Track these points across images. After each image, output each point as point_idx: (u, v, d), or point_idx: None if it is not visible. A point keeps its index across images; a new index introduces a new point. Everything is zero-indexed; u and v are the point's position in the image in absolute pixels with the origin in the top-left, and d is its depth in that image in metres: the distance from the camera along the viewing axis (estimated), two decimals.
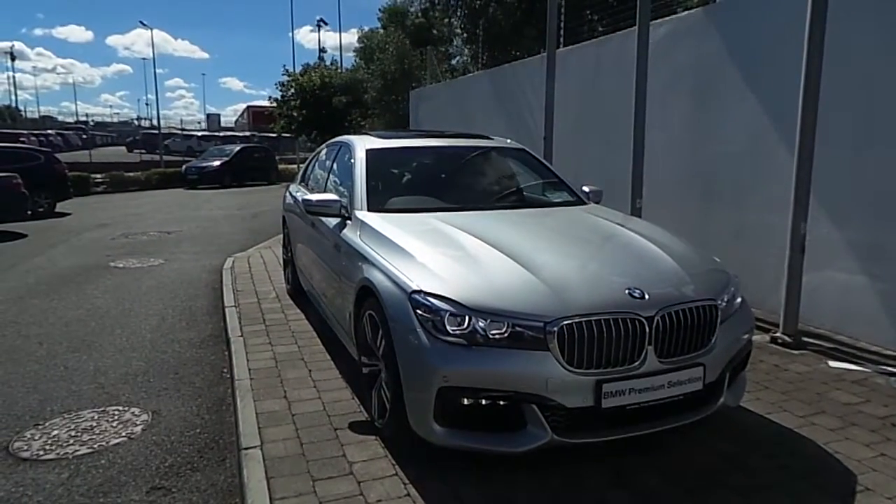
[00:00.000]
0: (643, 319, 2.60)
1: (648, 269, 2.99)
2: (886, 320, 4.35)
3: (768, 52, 5.17)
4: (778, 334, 4.51)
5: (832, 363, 4.11)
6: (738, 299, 3.06)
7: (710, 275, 3.10)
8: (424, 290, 2.72)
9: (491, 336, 2.55)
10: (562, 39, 8.56)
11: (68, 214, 14.19)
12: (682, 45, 6.09)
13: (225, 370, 4.34)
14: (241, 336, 4.73)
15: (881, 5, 4.30)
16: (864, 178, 4.46)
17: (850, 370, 3.99)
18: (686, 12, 6.55)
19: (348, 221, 3.82)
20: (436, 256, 3.00)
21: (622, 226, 3.68)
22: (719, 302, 2.85)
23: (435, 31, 21.68)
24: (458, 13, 20.26)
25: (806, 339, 4.51)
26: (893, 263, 4.30)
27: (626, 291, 2.68)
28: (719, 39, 5.66)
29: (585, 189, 4.47)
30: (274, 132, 30.85)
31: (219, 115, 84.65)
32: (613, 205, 4.60)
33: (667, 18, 6.43)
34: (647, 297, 2.67)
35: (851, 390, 3.68)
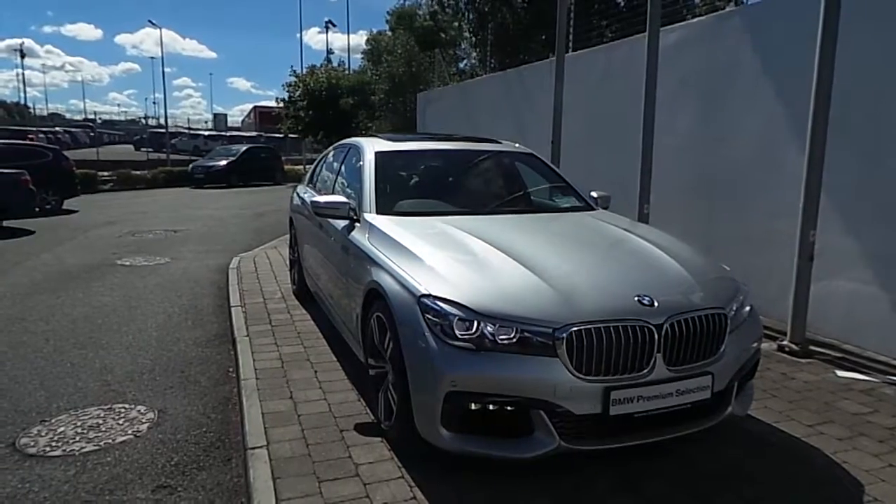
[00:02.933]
0: (652, 327, 2.59)
1: (657, 276, 2.99)
2: (894, 329, 4.33)
3: (778, 58, 5.16)
4: (785, 342, 4.49)
5: (840, 372, 4.10)
6: (747, 308, 3.05)
7: (719, 283, 3.09)
8: (433, 294, 2.72)
9: (499, 341, 2.55)
10: (570, 44, 8.56)
11: (75, 212, 14.24)
12: (692, 52, 6.08)
13: (231, 370, 4.35)
14: (247, 336, 4.74)
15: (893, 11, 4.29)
16: (873, 187, 4.44)
17: (857, 380, 3.98)
18: (696, 19, 6.54)
19: (356, 224, 3.82)
20: (445, 260, 3.00)
21: (631, 232, 3.67)
22: (728, 310, 2.84)
23: (443, 35, 21.71)
24: (467, 16, 20.30)
25: (813, 347, 4.49)
26: None
27: (636, 298, 2.68)
28: (729, 46, 5.65)
29: (594, 194, 4.47)
30: (280, 133, 30.90)
31: (225, 115, 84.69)
32: (621, 210, 4.60)
33: (676, 25, 6.43)
34: (656, 304, 2.66)
35: (859, 400, 3.66)
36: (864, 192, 4.50)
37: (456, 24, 21.41)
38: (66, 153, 16.30)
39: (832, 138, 4.31)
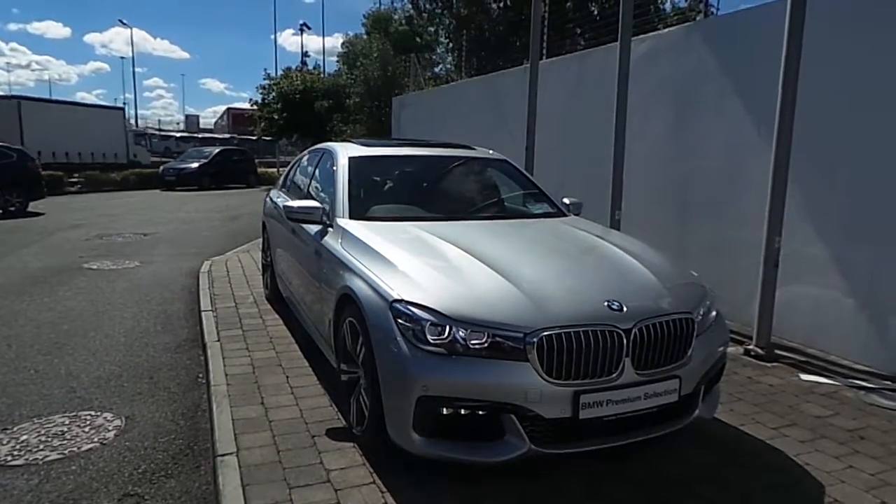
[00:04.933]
0: (621, 331, 2.63)
1: (627, 281, 3.03)
2: (856, 334, 4.46)
3: (745, 69, 5.29)
4: (751, 347, 4.59)
5: (804, 376, 4.20)
6: (714, 313, 3.11)
7: (686, 288, 3.16)
8: (406, 299, 2.72)
9: (471, 346, 2.57)
10: (545, 51, 8.66)
11: (41, 214, 13.91)
12: (663, 62, 6.20)
13: (201, 375, 4.29)
14: (218, 341, 4.69)
15: (857, 25, 4.43)
16: (836, 194, 4.57)
17: (820, 383, 4.08)
18: (667, 29, 6.67)
19: (329, 229, 3.81)
20: (417, 266, 3.01)
21: (602, 238, 3.73)
22: (695, 315, 2.90)
23: (419, 39, 21.76)
24: (443, 22, 20.38)
25: (779, 351, 4.60)
26: (862, 279, 4.42)
27: (605, 304, 2.72)
28: (698, 57, 5.77)
29: (566, 201, 4.52)
30: (254, 135, 30.58)
31: (198, 117, 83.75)
32: (593, 216, 4.65)
33: (648, 35, 6.55)
34: (625, 309, 2.71)
35: (822, 403, 3.76)
36: (827, 199, 4.63)
37: (432, 28, 21.47)
38: (31, 154, 15.92)
39: (797, 147, 4.42)
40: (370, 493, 2.65)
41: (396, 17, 24.37)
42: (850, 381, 4.12)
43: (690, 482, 2.80)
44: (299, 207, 3.96)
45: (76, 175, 21.54)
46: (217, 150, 24.83)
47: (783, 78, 4.33)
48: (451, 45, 20.91)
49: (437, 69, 22.85)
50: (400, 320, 2.68)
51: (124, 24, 56.79)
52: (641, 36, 6.43)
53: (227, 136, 49.90)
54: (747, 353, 4.58)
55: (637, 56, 6.02)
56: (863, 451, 3.15)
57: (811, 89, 4.44)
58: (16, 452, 3.17)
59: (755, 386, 4.02)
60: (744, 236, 5.16)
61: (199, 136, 52.44)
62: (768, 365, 4.41)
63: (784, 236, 4.49)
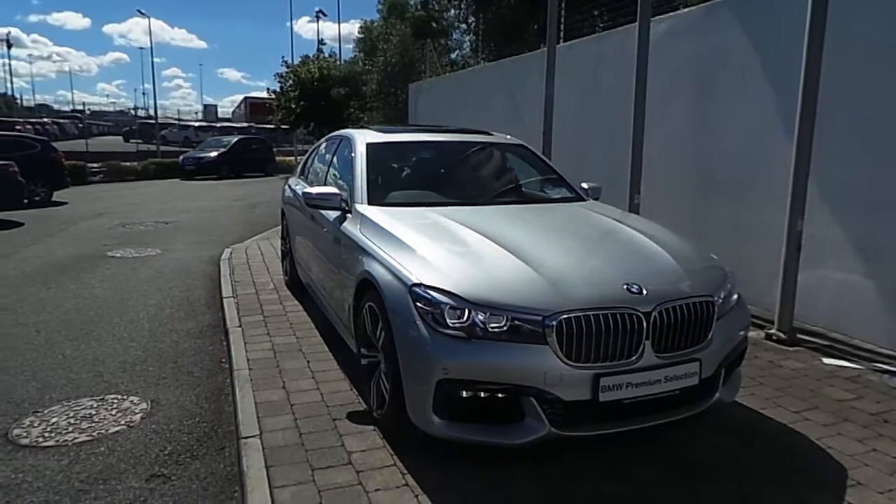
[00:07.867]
0: (641, 314, 2.63)
1: (646, 265, 3.02)
2: (880, 318, 4.39)
3: (768, 50, 5.18)
4: (773, 331, 4.55)
5: (826, 360, 4.16)
6: (735, 296, 3.09)
7: (707, 271, 3.13)
8: (425, 283, 2.74)
9: (490, 329, 2.58)
10: (562, 34, 8.56)
11: (65, 203, 14.15)
12: (683, 42, 6.10)
13: (223, 360, 4.36)
14: (240, 326, 4.75)
15: (882, 5, 4.32)
16: (859, 177, 4.49)
17: (843, 367, 4.04)
18: (687, 9, 6.55)
19: (348, 215, 3.83)
20: (436, 250, 3.02)
21: (621, 222, 3.70)
22: (716, 298, 2.88)
23: (435, 24, 21.64)
24: (459, 6, 20.23)
25: (801, 335, 4.55)
26: (887, 262, 4.34)
27: (625, 286, 2.71)
28: (719, 37, 5.67)
29: (584, 185, 4.49)
30: (271, 124, 30.74)
31: (216, 106, 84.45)
32: (612, 201, 4.62)
33: (667, 15, 6.44)
34: (645, 292, 2.69)
35: (845, 387, 3.72)
36: (851, 181, 4.54)
37: (448, 13, 21.34)
38: (54, 144, 16.17)
39: (820, 128, 4.34)
40: (391, 474, 2.68)
41: (412, 2, 24.26)
42: (874, 364, 4.06)
43: (712, 465, 2.79)
44: (318, 194, 3.99)
45: (97, 164, 21.81)
46: (235, 139, 24.98)
47: (807, 56, 4.25)
48: (467, 29, 20.78)
49: (453, 55, 22.75)
50: (419, 304, 2.69)
51: (142, 13, 56.63)
52: (661, 16, 6.32)
53: (244, 125, 50.12)
54: (769, 337, 4.54)
55: (656, 37, 5.93)
56: (887, 434, 3.12)
57: (836, 67, 4.35)
58: (46, 434, 3.26)
59: (777, 370, 3.99)
60: (765, 219, 5.09)
61: (218, 125, 52.77)
62: (790, 349, 4.36)
63: (806, 218, 4.43)
